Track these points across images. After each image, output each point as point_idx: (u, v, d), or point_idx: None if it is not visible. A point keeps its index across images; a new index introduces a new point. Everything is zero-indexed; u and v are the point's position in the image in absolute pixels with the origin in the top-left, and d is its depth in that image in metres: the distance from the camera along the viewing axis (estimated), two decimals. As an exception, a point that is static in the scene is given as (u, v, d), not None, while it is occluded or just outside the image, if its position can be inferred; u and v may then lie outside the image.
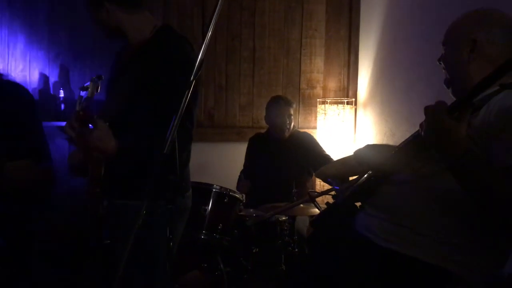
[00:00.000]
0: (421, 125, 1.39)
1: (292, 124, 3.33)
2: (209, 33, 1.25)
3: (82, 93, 1.69)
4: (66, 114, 3.89)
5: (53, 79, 4.17)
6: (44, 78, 4.14)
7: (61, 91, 4.02)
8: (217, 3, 1.24)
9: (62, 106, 3.98)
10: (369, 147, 1.74)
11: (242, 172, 3.44)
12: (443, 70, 1.58)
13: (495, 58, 1.45)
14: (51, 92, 4.12)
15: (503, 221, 1.31)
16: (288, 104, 3.30)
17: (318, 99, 3.89)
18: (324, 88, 3.99)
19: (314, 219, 1.81)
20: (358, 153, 1.74)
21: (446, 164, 1.32)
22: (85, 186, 1.79)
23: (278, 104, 3.29)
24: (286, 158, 3.26)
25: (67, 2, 4.09)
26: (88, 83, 1.63)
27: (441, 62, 1.58)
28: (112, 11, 1.77)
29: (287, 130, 3.29)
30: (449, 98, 1.51)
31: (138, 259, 1.56)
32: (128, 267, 1.31)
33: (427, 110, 1.34)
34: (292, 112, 3.31)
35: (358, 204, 1.68)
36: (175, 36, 1.82)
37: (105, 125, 1.57)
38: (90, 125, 1.56)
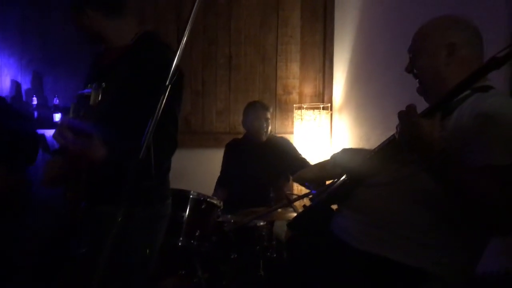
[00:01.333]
0: (397, 127, 1.41)
1: (269, 128, 3.35)
2: (185, 38, 1.24)
3: (76, 101, 1.65)
4: (40, 121, 3.81)
5: (25, 86, 4.09)
6: (16, 85, 4.06)
7: (34, 98, 3.94)
8: (192, 9, 1.24)
9: (36, 113, 3.91)
10: (346, 151, 1.76)
11: (217, 182, 3.44)
12: (416, 79, 1.57)
13: (471, 59, 1.48)
14: (24, 99, 4.04)
15: (480, 219, 1.33)
16: (265, 108, 3.33)
17: (294, 105, 3.91)
18: (300, 94, 4.01)
19: (291, 221, 1.81)
20: (334, 157, 1.76)
21: (422, 166, 1.33)
22: (64, 192, 1.76)
23: (255, 108, 3.32)
24: (263, 163, 3.26)
25: (39, 8, 4.02)
26: (89, 90, 1.59)
27: (414, 71, 1.57)
28: (93, 17, 1.76)
29: (264, 133, 3.31)
30: (424, 102, 1.53)
31: (115, 266, 1.54)
32: (105, 275, 1.28)
33: (400, 114, 1.35)
34: (269, 116, 3.33)
35: (335, 207, 1.69)
36: (157, 42, 1.81)
37: (98, 136, 1.55)
38: (82, 132, 1.54)
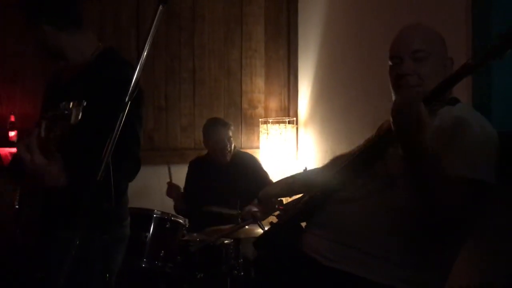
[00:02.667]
0: (392, 111, 1.31)
1: (233, 145, 3.28)
2: (145, 53, 1.21)
3: (49, 116, 1.52)
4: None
5: (-21, 102, 3.92)
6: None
7: (-12, 116, 3.78)
8: (152, 23, 1.20)
9: (-10, 131, 3.74)
10: (314, 169, 1.75)
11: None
12: (408, 78, 1.48)
13: None
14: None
15: (438, 226, 1.33)
16: (226, 126, 3.23)
17: (260, 119, 3.89)
18: (266, 108, 4.00)
19: (256, 240, 1.77)
20: (304, 173, 1.75)
21: (408, 155, 1.28)
22: (18, 214, 1.68)
23: (216, 129, 3.21)
24: (229, 180, 3.21)
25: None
26: (66, 106, 1.40)
27: (415, 73, 1.47)
28: (50, 32, 1.72)
29: (228, 153, 3.23)
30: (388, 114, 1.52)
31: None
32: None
33: (405, 95, 1.30)
34: (231, 134, 3.24)
35: (303, 224, 1.66)
36: (117, 59, 1.77)
37: (60, 160, 1.46)
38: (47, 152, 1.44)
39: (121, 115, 1.16)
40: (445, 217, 1.28)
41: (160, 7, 1.19)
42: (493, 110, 1.78)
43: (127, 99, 1.17)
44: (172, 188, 3.18)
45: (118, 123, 1.16)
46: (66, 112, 1.36)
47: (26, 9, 1.75)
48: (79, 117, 1.35)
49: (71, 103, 1.39)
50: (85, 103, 1.38)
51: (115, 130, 1.16)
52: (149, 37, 1.20)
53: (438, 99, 1.29)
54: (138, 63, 1.22)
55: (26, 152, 1.44)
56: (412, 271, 1.40)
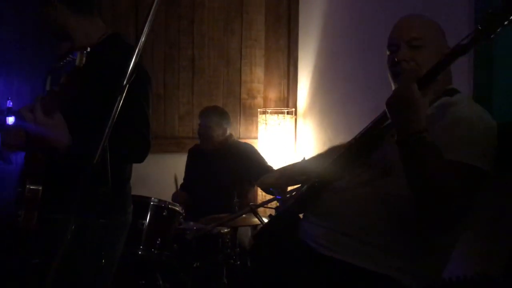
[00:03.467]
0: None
1: (216, 134, 3.25)
2: (143, 38, 1.20)
3: (53, 72, 1.54)
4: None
5: (-24, 88, 3.90)
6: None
7: (-15, 101, 3.76)
8: (151, 9, 1.19)
9: (-13, 116, 3.73)
10: (312, 157, 1.74)
11: (180, 187, 3.36)
12: (403, 64, 1.48)
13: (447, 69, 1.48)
14: (-26, 102, 3.85)
15: (429, 209, 1.32)
16: (216, 114, 3.26)
17: (259, 109, 3.88)
18: (265, 98, 3.98)
19: (257, 233, 1.77)
20: (301, 162, 1.74)
21: (400, 138, 1.29)
22: (18, 197, 1.67)
23: (203, 114, 3.29)
24: (226, 169, 3.20)
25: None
26: (76, 54, 1.46)
27: (409, 61, 1.47)
28: (60, 10, 1.72)
29: (208, 141, 3.24)
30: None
31: (68, 278, 1.46)
32: (57, 286, 1.21)
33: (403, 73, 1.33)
34: (222, 122, 3.24)
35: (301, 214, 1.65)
36: (123, 44, 1.78)
37: (61, 117, 1.48)
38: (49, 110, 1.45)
39: (119, 98, 1.15)
40: (440, 203, 1.27)
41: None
42: (494, 102, 1.77)
43: (125, 82, 1.16)
44: (178, 195, 3.18)
45: (116, 106, 1.15)
46: (70, 57, 1.47)
47: None
48: (83, 61, 1.41)
49: (77, 52, 1.44)
50: (88, 49, 1.43)
51: (113, 113, 1.15)
52: (147, 21, 1.19)
53: (432, 80, 1.29)
54: (137, 47, 1.21)
55: (29, 112, 1.45)
56: (409, 261, 1.40)
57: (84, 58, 1.42)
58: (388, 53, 1.55)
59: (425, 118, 1.28)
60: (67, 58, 1.58)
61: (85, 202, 1.18)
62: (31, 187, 1.62)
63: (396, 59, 1.49)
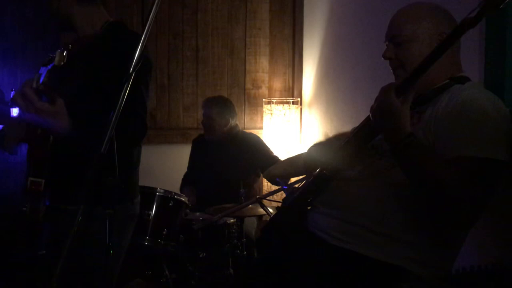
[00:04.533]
0: (371, 108, 1.37)
1: (219, 125, 3.21)
2: (148, 27, 1.18)
3: (42, 70, 1.58)
4: (-5, 116, 3.64)
5: (-21, 79, 3.89)
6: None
7: (-11, 92, 3.75)
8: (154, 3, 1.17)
9: (-9, 107, 3.72)
10: (317, 145, 1.72)
11: (183, 179, 3.34)
12: (394, 67, 1.51)
13: (454, 50, 1.47)
14: (-22, 93, 3.85)
15: (441, 211, 1.31)
16: (219, 104, 3.23)
17: (263, 99, 3.85)
18: (270, 88, 3.95)
19: (265, 225, 1.76)
20: (308, 152, 1.73)
21: (390, 147, 1.33)
22: (25, 182, 1.67)
23: (206, 104, 3.26)
24: (232, 159, 3.18)
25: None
26: (54, 53, 1.52)
27: (397, 58, 1.49)
28: (65, 1, 1.70)
29: (211, 131, 3.22)
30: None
31: (76, 269, 1.45)
32: (65, 278, 1.20)
33: (380, 90, 1.34)
34: (213, 114, 3.19)
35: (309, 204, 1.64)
36: (125, 31, 1.76)
37: (62, 102, 1.46)
38: (45, 98, 1.45)
39: (126, 86, 1.13)
40: (458, 202, 1.25)
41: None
42: (506, 89, 1.74)
43: (131, 70, 1.14)
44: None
45: (122, 94, 1.13)
46: (51, 55, 1.49)
47: None
48: (64, 60, 1.45)
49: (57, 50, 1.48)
50: (70, 46, 1.46)
51: (119, 104, 1.13)
52: (151, 13, 1.17)
53: (413, 84, 1.29)
54: (142, 35, 1.19)
55: (23, 100, 1.43)
56: (421, 251, 1.39)
57: (64, 57, 1.46)
58: None
59: (408, 123, 1.29)
60: (50, 55, 1.58)
61: (93, 192, 1.17)
62: (33, 179, 1.62)
63: (382, 57, 1.51)
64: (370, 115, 1.37)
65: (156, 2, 1.19)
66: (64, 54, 1.45)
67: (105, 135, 1.13)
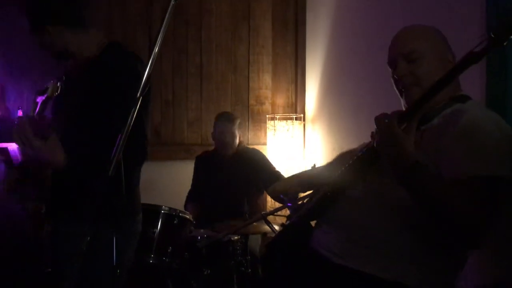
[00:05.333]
0: (372, 135, 1.38)
1: (237, 141, 3.26)
2: (156, 48, 1.20)
3: (39, 98, 1.62)
4: (2, 135, 3.66)
5: (-14, 97, 3.93)
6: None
7: (-4, 110, 3.79)
8: (163, 20, 1.19)
9: (-3, 126, 3.75)
10: (322, 166, 1.74)
11: (187, 196, 3.35)
12: (404, 84, 1.49)
13: None
14: (-15, 111, 3.88)
15: (450, 231, 1.32)
16: (230, 121, 3.24)
17: (267, 115, 3.88)
18: (273, 104, 3.98)
19: (269, 242, 1.76)
20: (312, 170, 1.74)
21: (395, 175, 1.33)
22: (26, 203, 1.69)
23: (220, 122, 3.25)
24: (236, 176, 3.20)
25: (1, 18, 3.88)
26: (48, 84, 1.58)
27: (411, 74, 1.47)
28: (56, 33, 1.72)
29: (229, 147, 3.23)
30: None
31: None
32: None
33: (379, 119, 1.34)
34: (234, 129, 3.23)
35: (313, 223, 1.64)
36: (122, 52, 1.78)
37: (55, 137, 1.51)
38: (41, 132, 1.50)
39: (133, 110, 1.15)
40: (465, 222, 1.26)
41: (172, 1, 1.18)
42: (508, 107, 1.75)
43: (138, 94, 1.16)
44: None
45: (130, 118, 1.15)
46: (46, 86, 1.56)
47: (30, 12, 1.76)
48: (58, 91, 1.52)
49: (51, 81, 1.55)
50: (63, 78, 1.54)
51: (127, 126, 1.15)
52: (160, 33, 1.19)
53: (416, 114, 1.31)
54: (150, 59, 1.21)
55: (20, 140, 1.48)
56: (423, 269, 1.39)
57: (58, 87, 1.52)
58: (390, 69, 1.54)
59: (413, 151, 1.30)
60: (46, 86, 1.63)
61: (100, 213, 1.19)
62: (35, 202, 1.65)
63: (395, 76, 1.49)
64: (374, 142, 1.37)
65: (162, 28, 1.20)
66: (58, 85, 1.49)
67: (113, 158, 1.15)
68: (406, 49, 1.48)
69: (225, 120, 3.24)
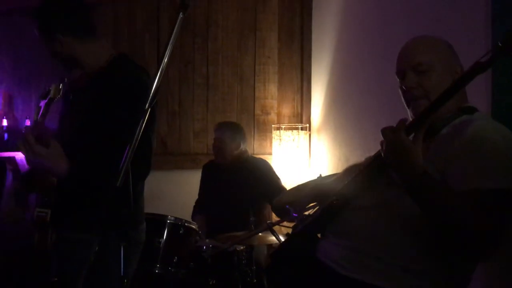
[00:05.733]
0: (381, 143, 1.38)
1: (230, 149, 3.26)
2: (165, 60, 1.22)
3: (42, 102, 1.63)
4: (10, 144, 3.69)
5: (-5, 106, 3.96)
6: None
7: (4, 120, 3.82)
8: (172, 32, 1.21)
9: (6, 135, 3.78)
10: (328, 176, 1.74)
11: (195, 206, 3.36)
12: (412, 95, 1.49)
13: None
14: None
15: (459, 243, 1.31)
16: (229, 128, 3.29)
17: (273, 125, 3.89)
18: (279, 114, 4.00)
19: (274, 251, 1.76)
20: (315, 181, 1.74)
21: (404, 186, 1.32)
22: (32, 212, 1.70)
23: (218, 128, 3.32)
24: (241, 185, 3.20)
25: (10, 27, 3.93)
26: (50, 86, 1.59)
27: (419, 86, 1.47)
28: (67, 43, 1.74)
29: (220, 155, 3.26)
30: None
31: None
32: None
33: (385, 130, 1.34)
34: (225, 137, 3.24)
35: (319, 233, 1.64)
36: (130, 64, 1.80)
37: (58, 145, 1.52)
38: (45, 139, 1.51)
39: (141, 121, 1.16)
40: (475, 235, 1.26)
41: (181, 14, 1.19)
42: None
43: (147, 106, 1.17)
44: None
45: (138, 130, 1.16)
46: (48, 88, 1.58)
47: (41, 21, 1.77)
48: (60, 93, 1.52)
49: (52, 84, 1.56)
50: (65, 80, 1.54)
51: (135, 137, 1.16)
52: (169, 45, 1.20)
53: (423, 124, 1.32)
54: (159, 71, 1.22)
55: (24, 146, 1.49)
56: (431, 281, 1.38)
57: (60, 90, 1.53)
58: (398, 79, 1.54)
59: (421, 162, 1.29)
60: (47, 88, 1.64)
61: (107, 223, 1.19)
62: (40, 210, 1.67)
63: (404, 88, 1.49)
64: (382, 153, 1.37)
65: (170, 40, 1.22)
66: (60, 87, 1.50)
67: (121, 168, 1.16)
68: (415, 61, 1.47)
69: (223, 127, 3.30)
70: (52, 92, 1.55)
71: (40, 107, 1.63)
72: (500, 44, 1.16)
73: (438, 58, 1.47)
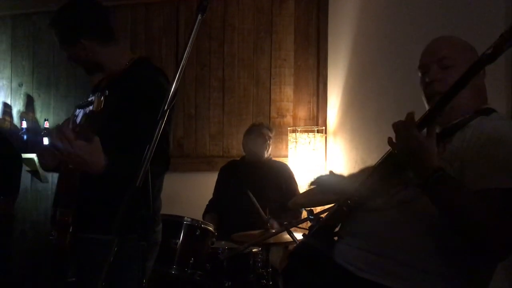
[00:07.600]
0: (389, 141, 1.37)
1: (268, 148, 3.36)
2: (184, 62, 1.23)
3: (78, 111, 1.64)
4: (30, 145, 3.75)
5: (16, 108, 4.04)
6: (6, 107, 4.00)
7: (24, 122, 3.89)
8: (190, 36, 1.22)
9: (25, 137, 3.85)
10: (332, 174, 1.73)
11: (208, 205, 3.37)
12: (434, 84, 1.48)
13: (480, 87, 1.50)
14: (13, 121, 3.99)
15: (475, 242, 1.30)
16: (265, 128, 3.40)
17: (288, 128, 3.89)
18: (294, 117, 4.00)
19: (290, 253, 1.76)
20: (320, 180, 1.73)
21: (419, 181, 1.32)
22: (53, 216, 1.72)
23: (253, 130, 3.38)
24: (260, 187, 3.20)
25: (30, 30, 4.00)
26: (92, 98, 1.59)
27: (441, 81, 1.46)
28: (90, 47, 1.77)
29: (262, 151, 3.33)
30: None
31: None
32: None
33: (398, 125, 1.34)
34: (265, 135, 3.35)
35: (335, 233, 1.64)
36: (150, 67, 1.82)
37: (98, 140, 1.52)
38: (84, 135, 1.51)
39: (160, 123, 1.18)
40: (493, 234, 1.25)
41: (199, 17, 1.21)
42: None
43: (166, 107, 1.19)
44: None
45: (157, 130, 1.18)
46: (89, 100, 1.58)
47: (63, 26, 1.80)
48: (102, 105, 1.50)
49: (95, 95, 1.52)
50: (107, 93, 1.51)
51: (154, 138, 1.17)
52: (188, 47, 1.22)
53: (434, 119, 1.31)
54: (177, 72, 1.24)
55: (60, 140, 1.47)
56: (448, 283, 1.37)
57: (102, 102, 1.51)
58: (420, 74, 1.55)
59: (436, 156, 1.29)
60: (87, 99, 1.64)
61: (127, 224, 1.20)
62: (62, 209, 1.67)
63: (427, 80, 1.49)
64: (395, 150, 1.37)
65: (190, 42, 1.23)
66: (102, 99, 1.50)
67: (140, 169, 1.17)
68: (441, 54, 1.49)
69: (260, 126, 3.41)
70: (95, 104, 1.54)
71: (76, 115, 1.64)
72: (503, 34, 1.16)
73: (463, 58, 1.47)
